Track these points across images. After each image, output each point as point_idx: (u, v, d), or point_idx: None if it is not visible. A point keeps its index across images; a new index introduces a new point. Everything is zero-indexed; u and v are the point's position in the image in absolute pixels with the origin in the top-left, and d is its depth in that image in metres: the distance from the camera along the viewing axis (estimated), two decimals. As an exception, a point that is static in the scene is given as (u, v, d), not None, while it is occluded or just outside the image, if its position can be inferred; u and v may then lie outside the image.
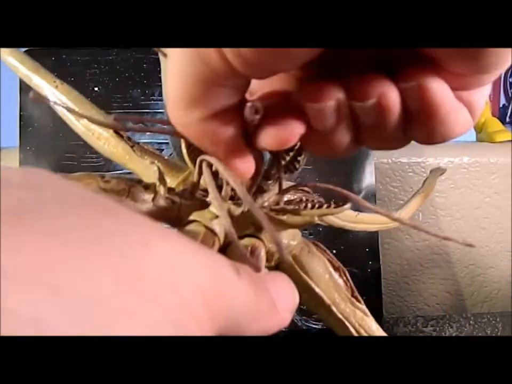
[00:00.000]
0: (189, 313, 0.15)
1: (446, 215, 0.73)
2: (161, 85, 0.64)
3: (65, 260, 0.13)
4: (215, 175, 0.29)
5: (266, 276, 0.21)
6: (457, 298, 0.74)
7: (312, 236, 0.64)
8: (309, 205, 0.27)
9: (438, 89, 0.20)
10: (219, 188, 0.28)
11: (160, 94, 0.64)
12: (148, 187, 0.28)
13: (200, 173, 0.26)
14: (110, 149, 0.32)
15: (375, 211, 0.23)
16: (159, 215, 0.26)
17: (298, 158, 0.31)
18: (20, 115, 0.63)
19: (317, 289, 0.28)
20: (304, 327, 0.61)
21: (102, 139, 0.32)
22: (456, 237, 0.22)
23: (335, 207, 0.27)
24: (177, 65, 0.19)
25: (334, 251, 0.64)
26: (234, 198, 0.27)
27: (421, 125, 0.21)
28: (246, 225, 0.27)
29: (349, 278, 0.30)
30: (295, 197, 0.28)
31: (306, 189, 0.30)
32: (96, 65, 0.65)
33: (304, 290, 0.28)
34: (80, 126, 0.33)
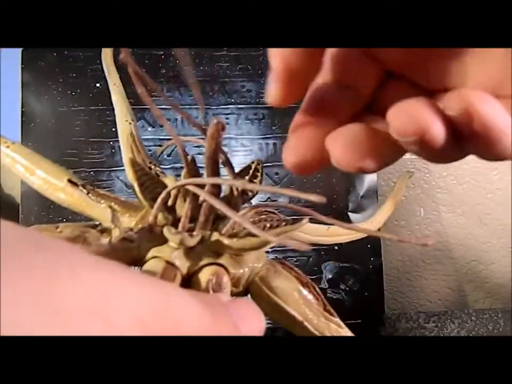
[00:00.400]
0: None
1: (448, 211, 0.73)
2: (162, 81, 0.64)
3: None
4: (172, 208, 0.29)
5: (230, 302, 0.21)
6: (459, 294, 0.74)
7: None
8: (268, 225, 0.27)
9: (487, 109, 0.18)
10: (177, 221, 0.28)
11: (161, 90, 0.64)
12: (104, 231, 0.28)
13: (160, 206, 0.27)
14: (67, 198, 0.32)
15: (345, 227, 0.23)
16: (118, 257, 0.26)
17: (254, 181, 0.32)
18: (22, 111, 0.63)
19: (287, 308, 0.29)
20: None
21: (58, 190, 0.33)
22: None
23: (292, 224, 0.27)
24: None
25: (336, 248, 0.64)
26: (191, 230, 0.28)
27: (477, 144, 0.19)
28: (206, 254, 0.27)
29: (319, 292, 0.30)
30: (256, 219, 0.28)
31: (270, 209, 0.30)
32: (98, 61, 0.64)
33: (275, 310, 0.29)
34: (36, 180, 0.33)
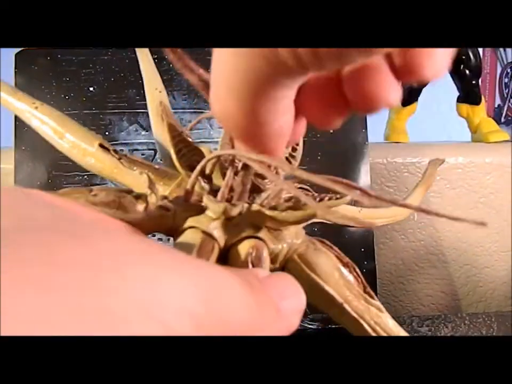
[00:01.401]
0: None
1: (441, 215, 0.73)
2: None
3: (19, 303, 0.12)
4: (208, 177, 0.28)
5: (269, 278, 0.20)
6: (453, 298, 0.74)
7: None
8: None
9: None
10: (214, 191, 0.27)
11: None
12: (139, 197, 0.27)
13: (196, 176, 0.26)
14: (97, 164, 0.31)
15: (382, 200, 0.22)
16: (153, 224, 0.25)
17: (294, 154, 0.31)
18: (15, 115, 0.62)
19: (327, 288, 0.27)
20: (299, 327, 0.61)
21: (88, 155, 0.31)
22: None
23: (336, 199, 0.26)
24: (233, 61, 0.19)
25: (330, 251, 0.64)
26: (230, 200, 0.27)
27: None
28: (245, 227, 0.26)
29: (360, 273, 0.29)
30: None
31: (304, 186, 0.29)
32: (91, 65, 0.64)
33: (313, 290, 0.27)
34: (65, 144, 0.32)
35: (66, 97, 0.63)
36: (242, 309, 0.17)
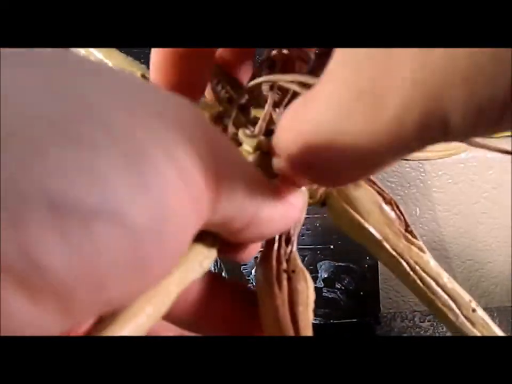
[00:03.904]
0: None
1: (444, 210, 0.73)
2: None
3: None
4: (247, 110, 0.27)
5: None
6: (455, 293, 0.73)
7: (309, 231, 0.64)
8: None
9: None
10: (253, 124, 0.26)
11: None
12: None
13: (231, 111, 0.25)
14: None
15: None
16: None
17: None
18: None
19: (366, 225, 0.26)
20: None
21: None
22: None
23: None
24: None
25: (332, 246, 0.64)
26: (271, 134, 0.26)
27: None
28: None
29: (402, 211, 0.28)
30: None
31: None
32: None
33: (353, 226, 0.27)
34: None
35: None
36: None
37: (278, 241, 0.24)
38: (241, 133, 0.25)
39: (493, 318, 0.63)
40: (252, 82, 0.25)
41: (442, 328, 0.62)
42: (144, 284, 0.15)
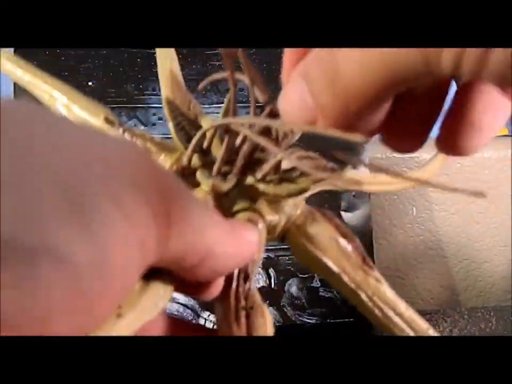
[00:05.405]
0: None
1: (441, 209, 0.73)
2: (154, 80, 0.63)
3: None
4: (207, 151, 0.28)
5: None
6: (452, 293, 0.74)
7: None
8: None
9: None
10: (212, 164, 0.27)
11: (154, 89, 0.64)
12: None
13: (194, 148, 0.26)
14: None
15: (392, 175, 0.22)
16: None
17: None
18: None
19: (325, 259, 0.27)
20: (298, 322, 0.61)
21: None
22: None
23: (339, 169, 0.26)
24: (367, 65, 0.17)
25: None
26: (225, 175, 0.27)
27: None
28: (240, 199, 0.27)
29: (359, 244, 0.29)
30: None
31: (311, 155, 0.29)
32: (89, 60, 0.64)
33: (312, 260, 0.27)
34: (72, 117, 0.33)
35: (65, 92, 0.63)
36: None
37: (237, 279, 0.25)
38: (198, 174, 0.26)
39: (489, 318, 0.63)
40: (207, 125, 0.27)
41: (439, 328, 0.62)
42: (89, 320, 0.16)
